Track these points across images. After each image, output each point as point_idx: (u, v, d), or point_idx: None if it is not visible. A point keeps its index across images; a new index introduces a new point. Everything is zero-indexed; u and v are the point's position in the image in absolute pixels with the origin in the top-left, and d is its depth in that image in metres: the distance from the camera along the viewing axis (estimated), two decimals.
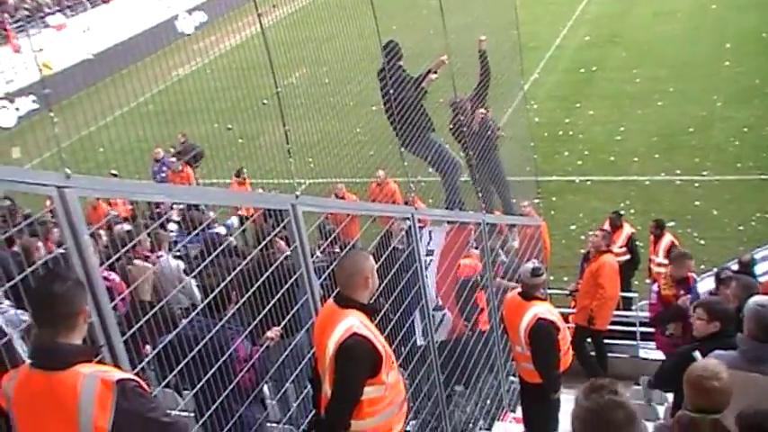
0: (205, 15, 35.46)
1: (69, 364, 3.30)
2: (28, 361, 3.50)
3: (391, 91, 8.61)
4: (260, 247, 6.20)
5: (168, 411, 3.61)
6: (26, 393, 3.37)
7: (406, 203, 9.70)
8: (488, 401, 9.46)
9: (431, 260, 8.30)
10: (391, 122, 9.25)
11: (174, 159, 15.95)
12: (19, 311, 5.13)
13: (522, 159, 14.79)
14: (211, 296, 4.99)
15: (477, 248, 9.42)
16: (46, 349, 3.38)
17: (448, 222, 9.18)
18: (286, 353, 5.61)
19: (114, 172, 15.83)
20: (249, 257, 5.50)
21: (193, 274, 5.43)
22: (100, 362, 3.51)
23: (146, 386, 3.46)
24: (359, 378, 4.58)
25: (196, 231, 7.77)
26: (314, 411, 5.13)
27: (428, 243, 8.30)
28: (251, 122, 18.83)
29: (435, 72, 9.95)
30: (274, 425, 6.36)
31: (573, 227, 16.71)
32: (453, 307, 8.65)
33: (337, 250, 7.71)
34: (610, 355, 11.41)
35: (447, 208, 9.95)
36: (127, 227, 9.42)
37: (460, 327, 8.72)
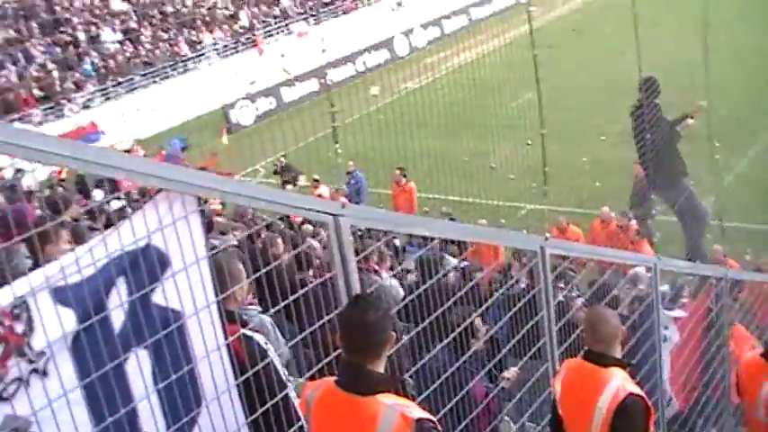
0: (438, 30, 36.11)
1: (373, 392, 3.36)
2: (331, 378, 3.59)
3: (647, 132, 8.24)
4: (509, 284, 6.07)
5: None
6: (327, 409, 3.49)
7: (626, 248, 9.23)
8: None
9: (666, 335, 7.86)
10: (642, 161, 8.90)
11: (397, 172, 16.23)
12: (265, 317, 5.27)
13: None
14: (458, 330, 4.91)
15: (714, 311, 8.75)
16: (354, 373, 3.43)
17: (680, 301, 8.66)
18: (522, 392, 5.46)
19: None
20: (500, 291, 5.40)
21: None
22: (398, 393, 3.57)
23: (440, 429, 3.46)
24: None
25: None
26: None
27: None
28: (480, 140, 18.99)
29: (692, 117, 9.52)
30: None
31: None
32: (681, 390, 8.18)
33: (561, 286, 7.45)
34: None
35: (688, 259, 9.41)
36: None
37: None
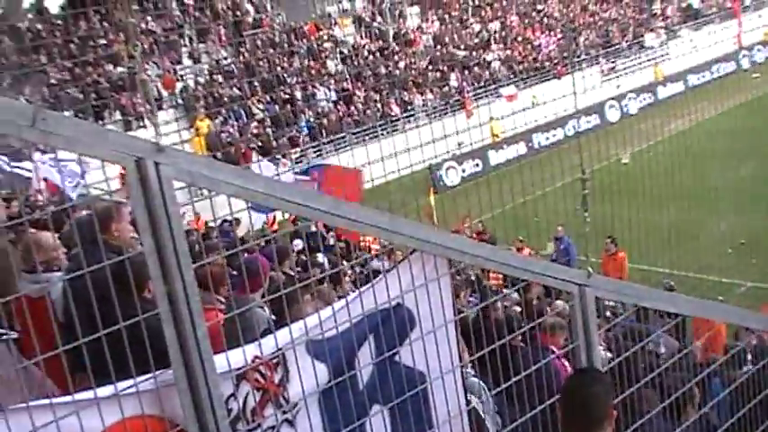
0: (652, 96, 35.21)
1: None
2: None
3: None
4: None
5: None
6: None
7: None
8: None
9: None
10: None
11: (608, 240, 15.80)
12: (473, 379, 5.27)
13: None
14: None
15: None
16: None
17: None
18: None
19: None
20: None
21: None
22: None
23: None
24: None
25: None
26: None
27: None
28: (692, 211, 18.29)
29: None
30: None
31: None
32: None
33: None
34: None
35: None
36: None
37: None
